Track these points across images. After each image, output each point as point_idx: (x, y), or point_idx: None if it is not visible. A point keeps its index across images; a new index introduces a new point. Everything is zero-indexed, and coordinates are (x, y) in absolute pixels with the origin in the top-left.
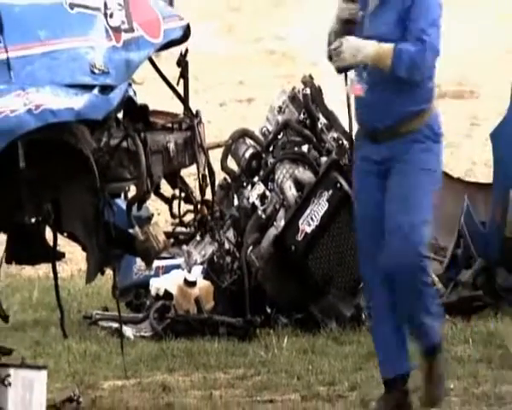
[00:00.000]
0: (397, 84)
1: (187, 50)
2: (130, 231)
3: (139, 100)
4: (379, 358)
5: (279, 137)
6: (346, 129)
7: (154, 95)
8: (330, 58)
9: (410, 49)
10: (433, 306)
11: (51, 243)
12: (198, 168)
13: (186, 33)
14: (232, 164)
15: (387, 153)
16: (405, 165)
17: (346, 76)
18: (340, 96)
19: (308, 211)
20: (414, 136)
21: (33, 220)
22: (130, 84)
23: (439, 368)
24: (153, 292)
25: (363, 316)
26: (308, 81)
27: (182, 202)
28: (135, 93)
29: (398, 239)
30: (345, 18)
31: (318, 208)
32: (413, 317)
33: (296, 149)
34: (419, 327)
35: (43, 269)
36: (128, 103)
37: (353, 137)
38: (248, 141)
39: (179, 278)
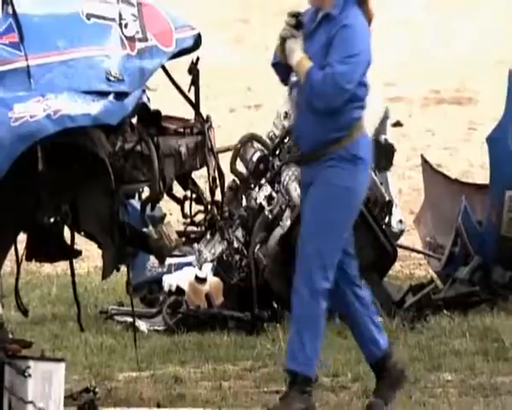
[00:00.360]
0: (315, 109)
1: (198, 59)
2: (144, 230)
3: (152, 106)
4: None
5: (285, 141)
6: None
7: (166, 101)
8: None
9: (314, 77)
10: None
11: (69, 242)
12: (208, 171)
13: (197, 42)
14: (241, 167)
15: (310, 176)
16: (319, 184)
17: (290, 86)
18: None
19: None
20: (331, 160)
21: (52, 220)
22: (143, 91)
23: None
24: (165, 288)
25: None
26: None
27: (193, 203)
28: (148, 99)
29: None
30: (285, 37)
31: None
32: None
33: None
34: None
35: (62, 266)
36: (142, 109)
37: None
38: (256, 145)
39: (191, 274)
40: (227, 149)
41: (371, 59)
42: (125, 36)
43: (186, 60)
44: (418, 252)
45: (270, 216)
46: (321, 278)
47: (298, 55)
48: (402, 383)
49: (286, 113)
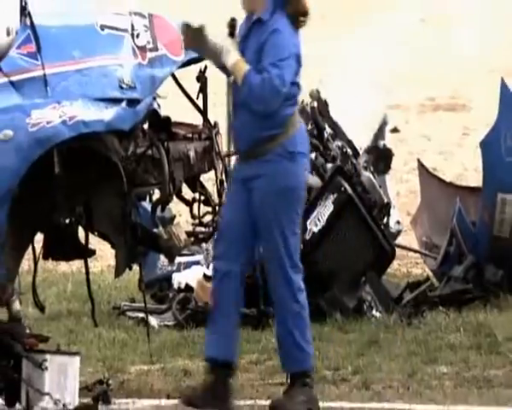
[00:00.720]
0: (250, 108)
1: (206, 67)
2: (155, 230)
3: (163, 112)
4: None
5: None
6: (350, 138)
7: (176, 108)
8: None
9: (253, 80)
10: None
11: (83, 242)
12: (216, 174)
13: None
14: None
15: (249, 172)
16: (260, 182)
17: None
18: (343, 109)
19: (315, 212)
20: (269, 156)
21: (67, 221)
22: (154, 98)
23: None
24: (175, 285)
25: (365, 307)
26: (315, 95)
27: (201, 205)
28: (159, 106)
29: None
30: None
31: (324, 210)
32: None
33: None
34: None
35: (76, 265)
36: (153, 115)
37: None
38: None
39: (199, 272)
40: (234, 154)
41: (301, 59)
42: (137, 46)
43: (194, 68)
44: (415, 251)
45: None
46: (294, 272)
47: (234, 56)
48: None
49: None
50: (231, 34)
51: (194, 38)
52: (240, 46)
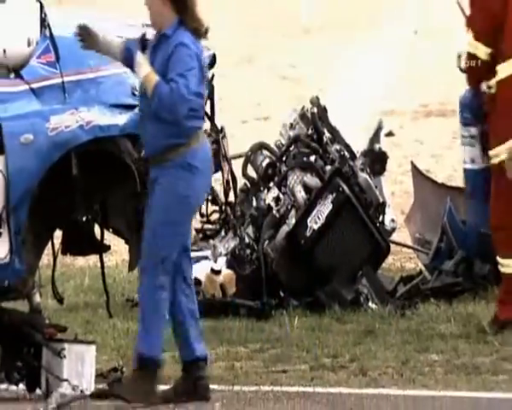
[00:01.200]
0: (158, 117)
1: (213, 76)
2: None
3: None
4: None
5: (291, 149)
6: (347, 142)
7: None
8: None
9: (162, 90)
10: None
11: (99, 238)
12: (223, 175)
13: (212, 62)
14: (251, 171)
15: (153, 176)
16: (158, 188)
17: None
18: (341, 114)
19: (315, 211)
20: (169, 164)
21: (84, 219)
22: None
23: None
24: None
25: (361, 299)
26: (315, 102)
27: (209, 204)
28: None
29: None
30: None
31: (324, 209)
32: None
33: (305, 159)
34: None
35: (93, 260)
36: None
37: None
38: (265, 152)
39: (207, 267)
40: (239, 156)
41: (204, 70)
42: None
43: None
44: (408, 247)
45: (277, 215)
46: (160, 271)
47: (145, 69)
48: (195, 396)
49: (291, 124)
50: (143, 49)
51: (89, 40)
52: (149, 59)
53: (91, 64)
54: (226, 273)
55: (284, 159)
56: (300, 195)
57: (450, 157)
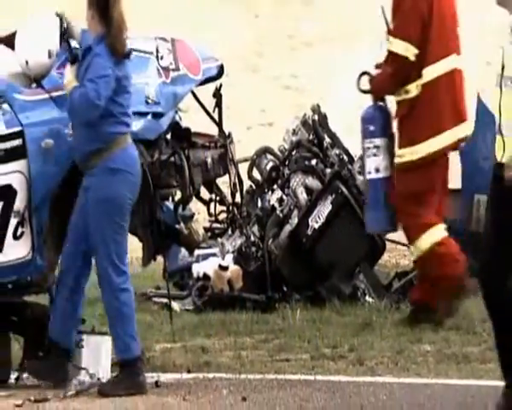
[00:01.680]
0: (82, 124)
1: (221, 85)
2: (177, 226)
3: (183, 124)
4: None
5: (293, 153)
6: (346, 147)
7: (195, 120)
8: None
9: (73, 95)
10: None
11: None
12: (230, 177)
13: (220, 72)
14: (256, 174)
15: (84, 183)
16: (88, 193)
17: None
18: (340, 121)
19: (316, 211)
20: (94, 170)
21: None
22: (176, 112)
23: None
24: (194, 275)
25: (359, 294)
26: (316, 109)
27: (217, 204)
28: (180, 118)
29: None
30: None
31: (324, 209)
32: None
33: (306, 162)
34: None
35: None
36: (175, 127)
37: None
38: (269, 156)
39: (215, 263)
40: (245, 160)
41: (126, 83)
42: (161, 66)
43: (211, 86)
44: (403, 245)
45: (280, 215)
46: (115, 274)
47: (67, 77)
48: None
49: (294, 130)
50: (73, 61)
51: None
52: (76, 70)
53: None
54: (233, 269)
55: (287, 163)
56: (302, 196)
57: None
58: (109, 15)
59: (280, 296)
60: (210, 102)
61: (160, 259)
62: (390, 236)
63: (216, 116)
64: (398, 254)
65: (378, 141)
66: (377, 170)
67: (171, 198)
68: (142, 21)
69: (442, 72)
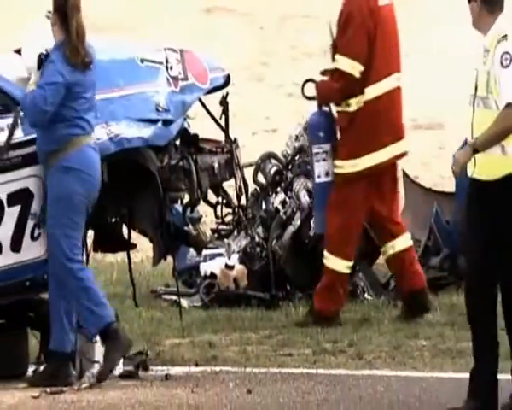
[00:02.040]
0: (41, 126)
1: (227, 93)
2: (185, 228)
3: (192, 130)
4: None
5: (296, 158)
6: None
7: (202, 126)
8: None
9: (24, 99)
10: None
11: (126, 237)
12: (235, 181)
13: (227, 81)
14: (261, 178)
15: (45, 181)
16: (47, 192)
17: None
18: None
19: None
20: (51, 170)
21: (113, 220)
22: (185, 119)
23: None
24: (202, 273)
25: (358, 291)
26: None
27: (223, 207)
28: (189, 125)
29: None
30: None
31: None
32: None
33: (309, 167)
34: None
35: (121, 256)
36: (183, 133)
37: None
38: (273, 161)
39: (221, 263)
40: (250, 165)
41: (78, 89)
42: (171, 76)
43: (218, 95)
44: None
45: (284, 217)
46: (69, 262)
47: (29, 82)
48: None
49: (296, 136)
50: (39, 66)
51: None
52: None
53: (120, 84)
54: (239, 268)
55: (290, 167)
56: (304, 199)
57: (437, 165)
58: (68, 24)
59: (283, 294)
60: (217, 110)
61: (169, 258)
62: None
63: (222, 123)
64: None
65: (327, 147)
66: (327, 174)
67: (179, 201)
68: (150, 31)
69: (384, 91)
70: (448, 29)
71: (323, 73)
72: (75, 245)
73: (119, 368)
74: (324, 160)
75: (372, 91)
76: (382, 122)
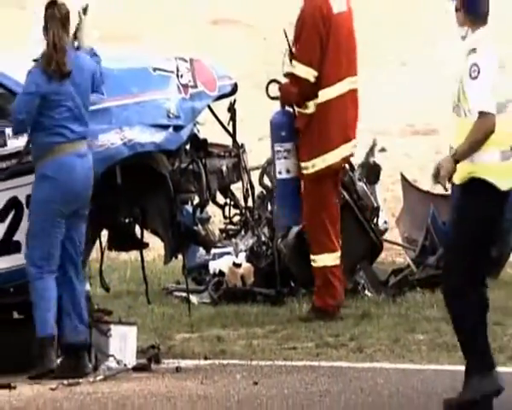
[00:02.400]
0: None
1: (235, 100)
2: (195, 228)
3: (201, 135)
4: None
5: None
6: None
7: (211, 132)
8: None
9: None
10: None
11: (139, 236)
12: (243, 184)
13: (234, 89)
14: (267, 181)
15: None
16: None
17: None
18: None
19: None
20: (36, 175)
21: (127, 220)
22: (194, 125)
23: None
24: (211, 271)
25: (359, 288)
26: None
27: (231, 208)
28: (198, 131)
29: None
30: None
31: None
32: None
33: None
34: None
35: (134, 254)
36: (193, 138)
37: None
38: None
39: (229, 261)
40: (256, 168)
41: (57, 98)
42: (181, 84)
43: (226, 101)
44: (398, 245)
45: None
46: (32, 267)
47: None
48: None
49: None
50: None
51: None
52: None
53: (133, 91)
54: (246, 266)
55: None
56: None
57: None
58: (47, 34)
59: (288, 291)
60: (225, 116)
61: (179, 257)
62: (387, 236)
63: (230, 128)
64: (394, 252)
65: (288, 145)
66: (288, 171)
67: (189, 202)
68: (158, 40)
69: (335, 95)
70: (445, 38)
71: (286, 75)
72: (43, 252)
73: (133, 361)
74: (286, 158)
75: (324, 95)
76: (333, 125)
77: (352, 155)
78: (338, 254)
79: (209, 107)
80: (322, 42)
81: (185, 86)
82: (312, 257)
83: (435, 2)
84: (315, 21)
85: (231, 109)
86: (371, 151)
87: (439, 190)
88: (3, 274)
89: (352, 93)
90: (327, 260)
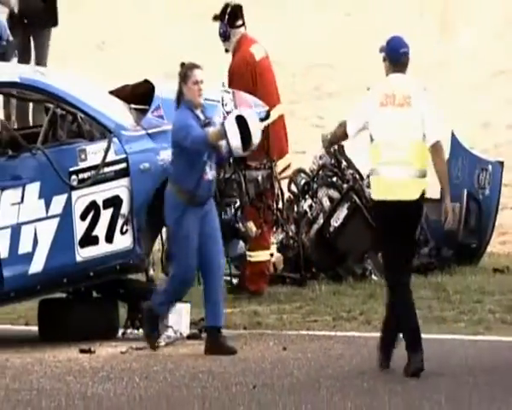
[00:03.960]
0: None
1: (268, 125)
2: (236, 225)
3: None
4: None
5: (320, 173)
6: (358, 168)
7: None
8: None
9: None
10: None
11: None
12: (274, 190)
13: (267, 115)
14: (294, 188)
15: None
16: None
17: None
18: (354, 149)
19: (336, 214)
20: None
21: None
22: None
23: None
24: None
25: (367, 273)
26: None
27: (265, 210)
28: None
29: None
30: None
31: (342, 213)
32: None
33: (329, 179)
34: None
35: None
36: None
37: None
38: (302, 175)
39: None
40: (285, 178)
41: None
42: (225, 111)
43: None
44: None
45: (310, 217)
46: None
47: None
48: None
49: (320, 156)
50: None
51: None
52: None
53: None
54: (277, 256)
55: (315, 179)
56: (326, 204)
57: (428, 176)
58: None
59: (310, 275)
60: None
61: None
62: None
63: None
64: None
65: None
66: None
67: (232, 205)
68: (169, 48)
69: (272, 119)
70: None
71: None
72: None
73: (187, 331)
74: None
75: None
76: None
77: (286, 168)
78: (270, 251)
79: None
80: (252, 83)
81: (229, 113)
82: (249, 253)
83: None
84: (240, 70)
85: (265, 132)
86: None
87: (430, 194)
88: (86, 262)
89: (281, 118)
90: (263, 256)
